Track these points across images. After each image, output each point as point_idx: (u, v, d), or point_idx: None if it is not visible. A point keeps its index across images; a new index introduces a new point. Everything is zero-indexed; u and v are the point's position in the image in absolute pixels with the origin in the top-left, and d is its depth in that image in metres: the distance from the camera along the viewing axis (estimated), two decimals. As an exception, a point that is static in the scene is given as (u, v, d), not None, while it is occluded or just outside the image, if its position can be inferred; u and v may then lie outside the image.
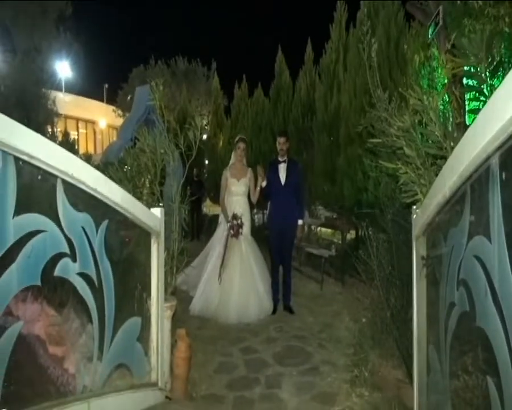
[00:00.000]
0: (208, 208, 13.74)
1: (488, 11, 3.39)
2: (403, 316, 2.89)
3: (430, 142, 2.53)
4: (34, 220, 1.69)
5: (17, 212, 1.58)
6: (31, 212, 1.68)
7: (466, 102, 4.23)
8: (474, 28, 3.35)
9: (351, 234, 7.01)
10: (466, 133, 1.38)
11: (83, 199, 1.98)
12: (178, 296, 3.76)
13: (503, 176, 1.12)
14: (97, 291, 2.05)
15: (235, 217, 4.96)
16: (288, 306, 5.03)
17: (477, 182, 1.33)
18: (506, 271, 1.08)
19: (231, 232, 4.93)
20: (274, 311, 4.94)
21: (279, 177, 4.98)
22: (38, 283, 1.71)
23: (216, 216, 9.64)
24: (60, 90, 23.75)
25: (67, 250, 1.86)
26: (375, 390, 2.91)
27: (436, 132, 2.38)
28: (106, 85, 33.77)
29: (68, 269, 1.88)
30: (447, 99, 4.44)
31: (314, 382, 3.21)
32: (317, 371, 3.40)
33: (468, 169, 1.35)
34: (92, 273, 2.02)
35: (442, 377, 1.67)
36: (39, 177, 1.75)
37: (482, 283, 1.23)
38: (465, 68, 2.95)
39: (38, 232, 1.70)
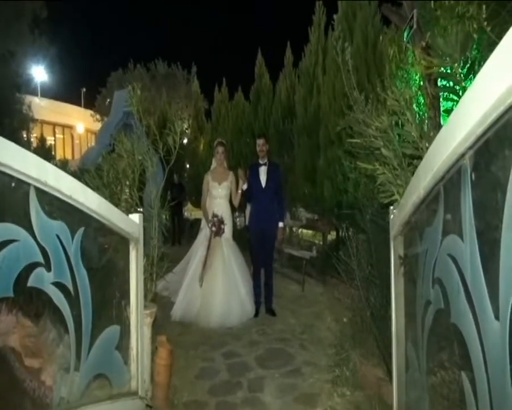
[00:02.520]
0: (190, 212, 13.65)
1: (458, 10, 3.46)
2: (383, 315, 2.92)
3: (407, 142, 2.58)
4: (5, 229, 1.63)
5: (-13, 222, 1.53)
6: (2, 221, 1.62)
7: (441, 103, 4.34)
8: (449, 29, 3.42)
9: (331, 235, 7.08)
10: (439, 134, 1.40)
11: (57, 207, 1.92)
12: (160, 302, 3.73)
13: (473, 176, 1.14)
14: (73, 300, 2.00)
15: (214, 215, 4.96)
16: (270, 309, 5.03)
17: (449, 182, 1.35)
18: (477, 269, 1.10)
19: (213, 229, 4.91)
20: (256, 314, 4.93)
21: (259, 180, 4.99)
22: (11, 294, 1.65)
23: (198, 220, 9.58)
24: (36, 94, 23.29)
25: (41, 259, 1.81)
26: (357, 389, 2.93)
27: (413, 133, 2.42)
28: (84, 89, 33.31)
29: (43, 279, 1.82)
30: (422, 100, 4.54)
31: (296, 384, 3.22)
32: (299, 373, 3.41)
33: (441, 169, 1.37)
34: (68, 282, 1.97)
35: (420, 373, 1.69)
36: (11, 185, 1.69)
37: (456, 281, 1.25)
38: (441, 68, 3.01)
39: (10, 241, 1.64)
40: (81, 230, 2.09)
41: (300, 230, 8.30)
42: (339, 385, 3.03)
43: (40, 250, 1.80)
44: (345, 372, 3.11)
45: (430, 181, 1.50)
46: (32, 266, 1.76)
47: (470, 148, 1.15)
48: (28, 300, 1.81)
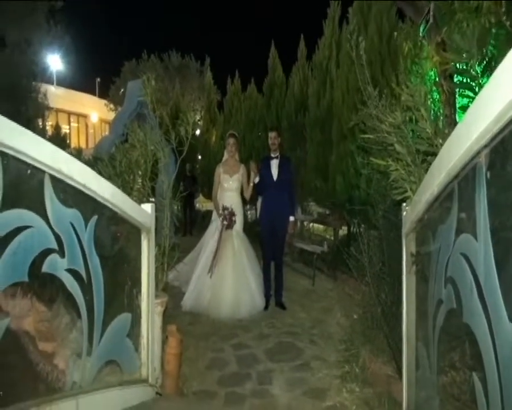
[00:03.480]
0: (201, 203, 13.71)
1: (478, 5, 3.38)
2: (394, 312, 2.91)
3: (421, 139, 2.54)
4: (21, 215, 1.66)
5: (4, 207, 1.55)
6: (18, 207, 1.65)
7: (457, 99, 4.26)
8: (466, 23, 3.35)
9: (343, 231, 7.04)
10: (454, 131, 1.38)
11: (71, 195, 1.95)
12: (170, 292, 3.76)
13: (489, 175, 1.13)
14: (86, 287, 2.03)
15: (225, 208, 4.97)
16: (280, 302, 5.04)
17: (464, 180, 1.33)
18: (491, 269, 1.09)
19: (225, 222, 4.93)
20: (266, 307, 4.95)
21: (271, 173, 4.98)
22: (26, 279, 1.69)
23: (209, 212, 9.61)
24: (52, 83, 23.49)
25: (55, 246, 1.83)
26: (366, 386, 2.93)
27: (427, 129, 2.39)
28: (98, 79, 33.52)
29: (56, 265, 1.85)
30: (438, 97, 4.47)
31: (305, 378, 3.22)
32: (308, 367, 3.42)
33: (455, 167, 1.35)
34: (81, 269, 2.00)
35: (430, 372, 1.69)
36: (26, 172, 1.72)
37: (469, 280, 1.24)
38: (457, 64, 2.96)
39: (25, 227, 1.67)
40: (94, 218, 2.12)
41: (311, 224, 8.27)
42: (348, 381, 3.03)
43: (54, 237, 1.82)
44: (354, 368, 3.10)
45: (445, 178, 1.48)
46: (46, 253, 1.79)
47: (486, 146, 1.13)
48: (42, 286, 1.85)
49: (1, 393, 1.55)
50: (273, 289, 5.09)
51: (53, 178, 1.81)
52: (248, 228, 5.99)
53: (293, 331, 4.27)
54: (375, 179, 4.02)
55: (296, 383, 3.15)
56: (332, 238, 7.01)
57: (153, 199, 3.57)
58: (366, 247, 3.36)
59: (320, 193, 7.24)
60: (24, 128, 1.64)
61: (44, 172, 1.77)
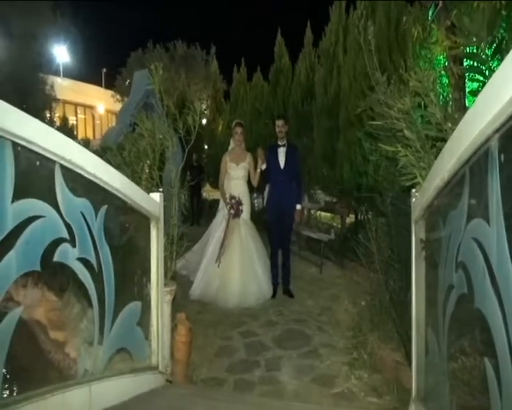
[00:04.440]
0: (207, 193, 13.72)
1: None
2: (402, 299, 2.91)
3: (430, 124, 2.51)
4: (33, 205, 1.68)
5: (16, 197, 1.56)
6: (30, 197, 1.66)
7: (466, 84, 4.20)
8: (476, 5, 3.28)
9: (350, 218, 7.02)
10: (465, 115, 1.36)
11: (82, 184, 1.96)
12: (178, 281, 3.79)
13: (502, 158, 1.11)
14: (97, 276, 2.05)
15: (232, 197, 4.97)
16: (287, 290, 5.06)
17: (475, 165, 1.32)
18: (504, 253, 1.08)
19: (232, 211, 4.95)
20: (274, 295, 4.97)
21: (278, 161, 4.97)
22: (38, 268, 1.70)
23: (215, 201, 9.61)
24: (58, 75, 23.52)
25: (66, 235, 1.85)
26: (374, 372, 2.94)
27: (436, 114, 2.36)
28: (104, 70, 33.50)
29: (67, 254, 1.87)
30: (447, 81, 4.40)
31: (313, 365, 3.24)
32: (316, 354, 3.44)
33: (467, 152, 1.33)
34: (91, 258, 2.02)
35: (440, 358, 1.68)
36: (37, 162, 1.73)
37: (481, 265, 1.23)
38: (467, 48, 2.91)
39: (37, 217, 1.68)
40: (104, 207, 2.13)
41: (318, 212, 8.25)
42: (357, 368, 3.05)
43: (65, 227, 1.84)
44: (362, 355, 3.12)
45: (456, 164, 1.46)
46: (57, 242, 1.81)
47: (499, 129, 1.11)
48: (53, 275, 1.87)
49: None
50: (281, 277, 5.11)
51: (63, 168, 1.82)
52: (256, 216, 5.98)
53: (301, 318, 4.29)
54: (383, 165, 3.99)
55: (304, 370, 3.17)
56: (339, 226, 6.99)
57: (161, 188, 3.58)
58: (374, 234, 3.35)
59: (327, 181, 7.22)
60: (34, 118, 1.65)
61: (54, 162, 1.78)
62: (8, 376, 1.55)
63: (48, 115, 11.07)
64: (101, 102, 31.14)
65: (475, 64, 2.64)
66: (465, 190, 1.42)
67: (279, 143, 5.04)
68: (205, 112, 16.47)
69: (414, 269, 2.22)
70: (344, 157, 6.38)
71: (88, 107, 31.46)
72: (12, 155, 1.55)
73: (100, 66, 33.82)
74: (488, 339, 1.17)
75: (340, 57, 7.32)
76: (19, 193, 1.57)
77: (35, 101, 9.62)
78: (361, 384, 2.87)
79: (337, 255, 6.40)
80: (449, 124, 2.21)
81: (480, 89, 2.66)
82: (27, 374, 1.74)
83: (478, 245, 1.26)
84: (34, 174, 1.77)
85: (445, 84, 4.40)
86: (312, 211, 8.21)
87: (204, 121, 15.23)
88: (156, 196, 2.78)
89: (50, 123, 10.39)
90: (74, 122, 23.82)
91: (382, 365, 2.95)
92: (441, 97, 2.82)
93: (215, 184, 11.32)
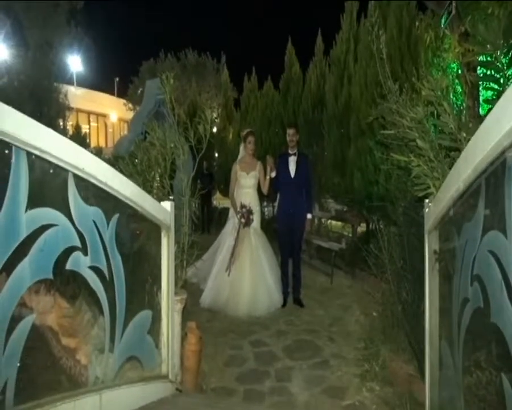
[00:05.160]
0: (218, 200, 13.74)
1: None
2: (415, 311, 2.86)
3: (444, 133, 2.48)
4: (46, 214, 1.70)
5: (30, 206, 1.58)
6: (43, 206, 1.68)
7: (480, 92, 4.16)
8: (491, 12, 3.25)
9: (361, 228, 6.96)
10: (482, 125, 1.34)
11: (94, 193, 1.98)
12: (189, 289, 3.79)
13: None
14: (108, 285, 2.06)
15: (243, 206, 4.98)
16: (297, 299, 5.03)
17: (492, 176, 1.30)
18: (522, 266, 1.06)
19: (242, 220, 4.94)
20: (284, 304, 4.94)
21: (288, 170, 4.96)
22: (51, 276, 1.72)
23: (225, 209, 9.61)
24: (72, 84, 23.90)
25: (78, 243, 1.87)
26: (386, 385, 2.89)
27: (450, 124, 2.33)
28: (117, 79, 33.93)
29: (79, 263, 1.89)
30: (460, 89, 4.36)
31: (324, 376, 3.21)
32: (327, 365, 3.40)
33: (483, 162, 1.31)
34: (103, 267, 2.03)
35: (455, 372, 1.65)
36: (51, 171, 1.75)
37: (497, 279, 1.21)
38: (481, 56, 2.88)
39: (50, 225, 1.70)
40: (116, 216, 2.15)
41: (329, 221, 8.20)
42: (368, 380, 3.00)
43: (77, 235, 1.86)
44: (374, 367, 3.07)
45: (471, 174, 1.44)
46: (70, 250, 1.83)
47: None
48: (65, 283, 1.88)
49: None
50: (291, 286, 5.08)
51: (76, 177, 1.84)
52: (266, 225, 5.97)
53: (311, 328, 4.25)
54: (394, 174, 3.95)
55: (315, 381, 3.13)
56: (350, 235, 6.93)
57: (172, 197, 3.60)
58: (386, 244, 3.32)
59: (337, 190, 7.18)
60: (48, 128, 1.67)
61: (67, 171, 1.80)
62: (20, 383, 1.56)
63: (61, 123, 11.22)
64: (113, 110, 31.54)
65: (491, 72, 2.61)
66: (480, 201, 1.40)
67: (290, 151, 5.03)
68: (216, 120, 16.56)
69: (427, 280, 2.19)
70: (355, 166, 6.35)
71: (101, 116, 31.88)
72: (27, 164, 1.57)
73: (113, 75, 34.31)
74: (505, 354, 1.14)
75: (351, 65, 7.31)
76: (32, 202, 1.60)
77: (49, 110, 9.76)
78: (373, 397, 2.82)
79: (347, 264, 6.34)
80: (464, 134, 2.18)
81: (494, 97, 2.63)
82: (39, 381, 1.75)
83: (495, 258, 1.24)
84: (48, 183, 1.79)
85: (459, 92, 4.37)
86: (323, 220, 8.15)
87: (215, 129, 15.31)
88: (167, 205, 2.79)
89: (64, 131, 10.54)
90: (87, 130, 24.13)
91: (394, 377, 2.89)
92: (455, 105, 2.79)
93: (226, 192, 11.33)
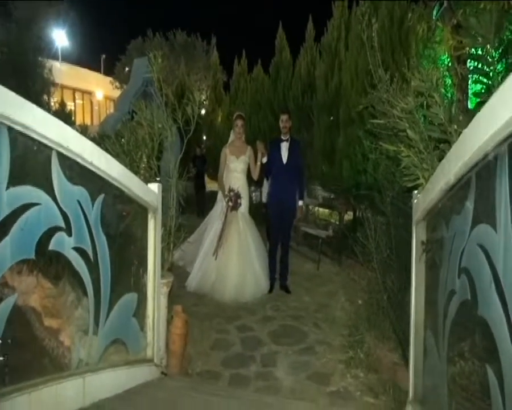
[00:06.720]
0: (207, 184, 13.62)
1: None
2: (400, 300, 2.90)
3: (433, 125, 2.48)
4: (28, 192, 1.64)
5: (11, 183, 1.53)
6: (25, 184, 1.63)
7: (469, 85, 4.16)
8: (483, 6, 3.24)
9: (348, 215, 7.00)
10: (474, 119, 1.33)
11: (79, 172, 1.93)
12: (175, 272, 3.76)
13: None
14: (93, 266, 2.03)
15: (231, 189, 4.94)
16: (284, 285, 5.05)
17: (483, 170, 1.29)
18: (511, 261, 1.06)
19: (230, 203, 4.91)
20: (271, 290, 4.96)
21: (280, 155, 4.92)
22: (33, 256, 1.68)
23: (213, 192, 9.48)
24: (57, 59, 23.23)
25: (62, 224, 1.82)
26: (370, 372, 2.94)
27: (440, 115, 2.33)
28: (104, 56, 33.13)
29: (63, 243, 1.85)
30: (450, 82, 4.36)
31: (309, 362, 3.24)
32: (312, 351, 3.43)
33: (475, 157, 1.31)
34: (88, 248, 1.99)
35: (439, 362, 1.67)
36: (34, 148, 1.69)
37: (486, 272, 1.21)
38: (472, 49, 2.87)
39: (32, 204, 1.65)
40: (101, 197, 2.10)
41: (316, 208, 8.23)
42: (353, 367, 3.04)
43: (61, 215, 1.81)
44: (358, 354, 3.11)
45: (462, 168, 1.44)
46: (53, 230, 1.78)
47: (510, 135, 1.09)
48: (48, 263, 1.84)
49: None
50: (278, 272, 5.10)
51: (60, 155, 1.79)
52: (253, 210, 5.95)
53: (297, 314, 4.28)
54: (383, 164, 3.96)
55: (300, 367, 3.16)
56: (337, 222, 6.98)
57: (158, 179, 3.54)
58: (373, 233, 3.33)
59: (326, 177, 7.19)
60: (32, 104, 1.61)
61: (51, 149, 1.75)
62: (2, 366, 1.52)
63: (46, 99, 10.92)
64: (100, 88, 30.82)
65: (481, 65, 2.61)
66: (470, 194, 1.40)
67: (282, 137, 4.97)
68: (204, 102, 16.36)
69: (414, 270, 2.21)
70: (344, 154, 6.35)
71: (86, 93, 31.10)
72: (8, 140, 1.51)
73: (99, 52, 33.48)
74: (491, 346, 1.16)
75: (342, 53, 7.27)
76: (14, 180, 1.54)
77: (34, 85, 9.48)
78: (357, 383, 2.86)
79: (334, 252, 6.39)
80: (455, 127, 2.17)
81: (483, 91, 2.64)
82: (21, 364, 1.71)
83: (484, 251, 1.24)
84: (30, 161, 1.73)
85: (448, 85, 4.37)
86: (310, 207, 8.18)
87: (203, 112, 15.13)
88: (155, 187, 2.75)
89: (48, 107, 10.25)
90: (72, 108, 23.58)
91: (379, 365, 2.94)
92: (445, 97, 2.78)
93: (214, 175, 11.20)
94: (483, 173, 1.31)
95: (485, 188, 1.28)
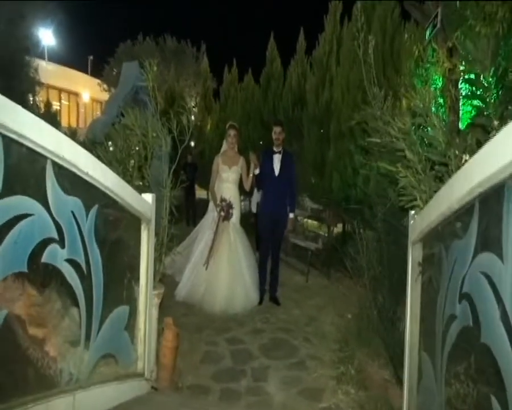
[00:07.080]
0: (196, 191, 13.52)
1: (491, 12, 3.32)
2: (391, 317, 2.91)
3: (430, 146, 2.51)
4: (21, 202, 1.59)
5: (4, 194, 1.48)
6: (19, 194, 1.57)
7: (461, 106, 4.23)
8: (478, 31, 3.31)
9: (338, 228, 7.03)
10: (483, 148, 1.34)
11: (73, 182, 1.88)
12: (164, 281, 3.70)
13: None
14: (85, 279, 1.98)
15: (223, 199, 4.91)
16: (274, 297, 5.03)
17: (490, 198, 1.30)
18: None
19: (222, 213, 4.87)
20: (260, 302, 4.93)
21: (272, 167, 4.91)
22: (25, 269, 1.62)
23: (202, 200, 9.41)
24: (43, 58, 22.88)
25: (55, 235, 1.77)
26: (361, 389, 2.93)
27: (439, 138, 2.35)
28: (91, 57, 32.76)
29: (56, 256, 1.79)
30: (442, 102, 4.44)
31: (300, 377, 3.22)
32: (303, 366, 3.41)
33: (482, 186, 1.31)
34: (81, 260, 1.94)
35: (437, 385, 1.67)
36: (28, 157, 1.64)
37: (490, 301, 1.22)
38: (467, 74, 2.92)
39: (25, 215, 1.60)
40: (95, 207, 2.06)
41: (305, 219, 8.24)
42: (344, 383, 3.03)
43: (54, 226, 1.76)
44: (349, 370, 3.10)
45: (466, 196, 1.44)
46: (46, 242, 1.73)
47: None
48: (40, 275, 1.79)
49: None
50: (268, 284, 5.07)
51: (55, 165, 1.74)
52: (243, 220, 5.92)
53: (287, 327, 4.26)
54: (374, 180, 3.99)
55: (291, 382, 3.14)
56: (326, 234, 7.00)
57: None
58: (364, 248, 3.34)
59: (315, 190, 7.22)
60: (27, 111, 1.56)
61: (46, 158, 1.70)
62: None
63: (31, 99, 10.71)
64: (86, 89, 30.40)
65: (477, 89, 2.65)
66: (473, 221, 1.40)
67: (275, 149, 4.96)
68: (194, 109, 16.32)
69: (409, 291, 2.21)
70: (334, 167, 6.40)
71: (73, 94, 30.62)
72: (1, 148, 1.46)
73: (86, 53, 33.07)
74: (494, 374, 1.16)
75: (333, 67, 7.33)
76: (7, 190, 1.49)
77: (20, 84, 9.30)
78: (348, 400, 2.85)
79: (323, 264, 6.39)
80: (456, 151, 2.20)
81: (474, 113, 2.68)
82: (8, 381, 1.65)
83: (488, 279, 1.25)
84: (24, 170, 1.68)
85: (441, 105, 4.44)
86: (299, 218, 8.19)
87: (192, 118, 15.08)
88: (148, 197, 2.71)
89: (35, 108, 10.06)
90: (58, 108, 23.18)
91: (370, 382, 2.93)
92: (442, 119, 2.82)
93: (202, 183, 11.11)
94: (488, 201, 1.31)
95: (489, 216, 1.29)
